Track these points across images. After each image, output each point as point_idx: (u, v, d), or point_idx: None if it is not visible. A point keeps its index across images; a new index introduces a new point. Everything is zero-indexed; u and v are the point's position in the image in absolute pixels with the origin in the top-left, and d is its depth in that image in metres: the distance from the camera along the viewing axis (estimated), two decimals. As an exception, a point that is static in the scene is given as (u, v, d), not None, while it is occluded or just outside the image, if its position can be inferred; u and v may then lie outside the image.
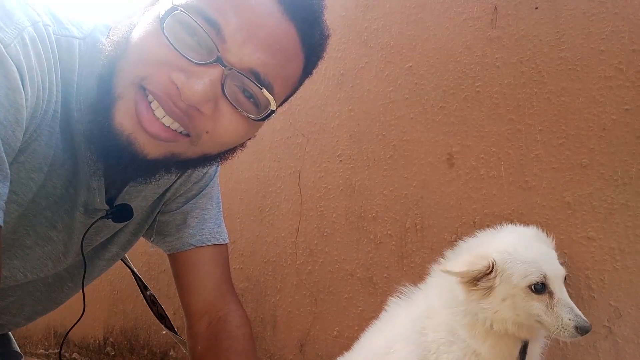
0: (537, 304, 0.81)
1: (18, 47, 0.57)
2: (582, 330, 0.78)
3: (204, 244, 0.95)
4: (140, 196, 0.84)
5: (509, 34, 1.14)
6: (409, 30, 1.29)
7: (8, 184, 0.57)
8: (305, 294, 1.42)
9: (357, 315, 1.32)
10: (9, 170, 0.57)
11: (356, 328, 1.25)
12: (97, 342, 1.93)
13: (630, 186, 1.00)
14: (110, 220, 0.80)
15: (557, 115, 1.08)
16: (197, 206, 0.96)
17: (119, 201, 0.80)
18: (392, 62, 1.31)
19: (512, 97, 1.13)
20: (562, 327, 0.79)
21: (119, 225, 0.87)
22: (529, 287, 0.80)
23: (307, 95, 1.45)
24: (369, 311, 1.28)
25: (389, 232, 1.29)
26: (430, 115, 1.24)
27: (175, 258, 0.97)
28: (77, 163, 0.71)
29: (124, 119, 0.62)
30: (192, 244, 0.95)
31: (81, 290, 0.90)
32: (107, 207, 0.77)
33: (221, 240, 0.98)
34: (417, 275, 1.21)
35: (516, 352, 0.87)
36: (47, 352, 2.09)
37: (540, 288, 0.81)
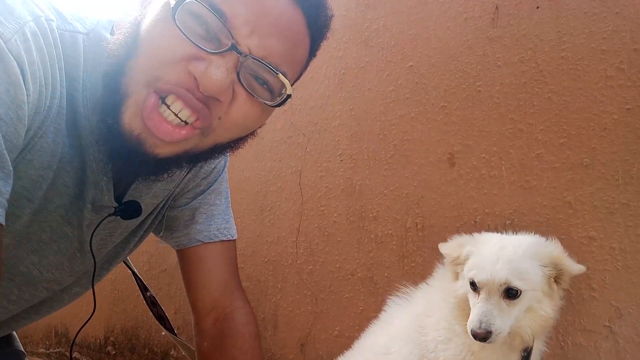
0: (472, 298, 0.85)
1: (19, 41, 0.56)
2: (472, 334, 0.80)
3: (211, 240, 0.95)
4: (150, 193, 0.84)
5: (510, 34, 1.14)
6: (410, 29, 1.29)
7: (11, 181, 0.56)
8: (306, 294, 1.42)
9: (358, 315, 1.32)
10: (11, 168, 0.56)
11: (357, 327, 1.25)
12: (98, 341, 1.93)
13: (632, 186, 1.00)
14: (119, 217, 0.79)
15: (558, 115, 1.08)
16: (206, 202, 0.96)
17: (127, 198, 0.79)
18: (393, 62, 1.31)
19: (513, 96, 1.13)
20: (468, 326, 0.83)
21: (132, 224, 0.87)
22: (469, 281, 0.85)
23: (308, 95, 1.45)
24: (369, 311, 1.28)
25: (389, 231, 1.29)
26: (431, 115, 1.24)
27: (182, 254, 0.97)
28: (84, 160, 0.70)
29: (132, 120, 0.62)
30: (200, 240, 0.95)
31: (92, 290, 0.89)
32: (115, 204, 0.76)
33: (229, 236, 0.98)
34: (418, 275, 1.21)
35: (510, 352, 0.87)
36: (48, 351, 2.09)
37: (474, 286, 0.84)
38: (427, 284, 1.00)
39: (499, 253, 0.84)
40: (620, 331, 1.00)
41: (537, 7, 1.11)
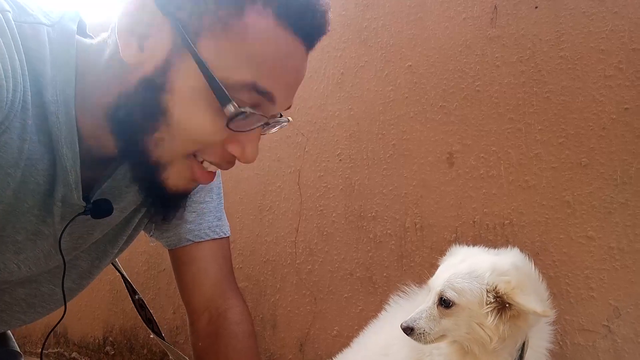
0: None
1: None
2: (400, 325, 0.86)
3: (202, 239, 0.94)
4: (131, 191, 0.82)
5: (509, 33, 1.14)
6: (409, 29, 1.29)
7: None
8: (305, 293, 1.42)
9: (357, 315, 1.32)
10: None
11: (356, 327, 1.25)
12: (97, 341, 1.93)
13: (630, 185, 1.00)
14: (89, 216, 0.76)
15: (557, 115, 1.08)
16: (195, 200, 0.94)
17: (103, 196, 0.77)
18: (392, 62, 1.31)
19: (512, 96, 1.13)
20: None
21: (114, 222, 0.86)
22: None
23: (306, 95, 1.45)
24: (368, 310, 1.28)
25: (388, 231, 1.29)
26: (430, 115, 1.24)
27: (174, 254, 0.96)
28: (54, 157, 0.68)
29: (179, 182, 0.68)
30: (190, 240, 0.94)
31: (61, 291, 0.87)
32: (83, 203, 0.74)
33: (221, 234, 0.97)
34: (417, 275, 1.21)
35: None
36: (46, 351, 2.09)
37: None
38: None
39: (454, 265, 0.87)
40: (619, 330, 1.00)
41: (536, 7, 1.11)
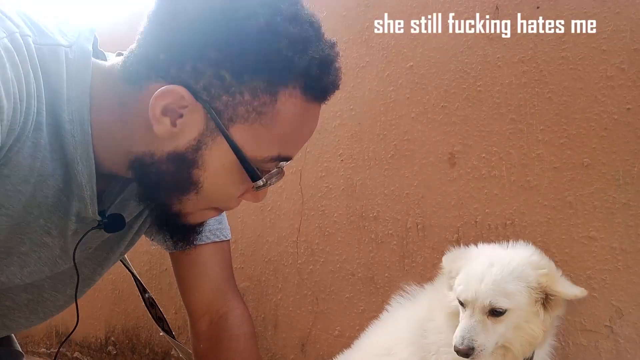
0: (460, 312, 0.86)
1: None
2: (455, 350, 0.82)
3: (203, 242, 0.95)
4: (135, 202, 0.83)
5: (511, 34, 1.14)
6: (410, 29, 1.29)
7: None
8: (307, 294, 1.42)
9: (359, 315, 1.32)
10: None
11: (357, 327, 1.25)
12: (99, 341, 1.93)
13: (632, 186, 1.00)
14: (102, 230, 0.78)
15: (558, 115, 1.08)
16: None
17: (113, 209, 0.78)
18: (393, 62, 1.31)
19: (514, 96, 1.13)
20: (453, 341, 0.83)
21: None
22: (457, 297, 0.86)
23: (308, 95, 1.44)
24: (370, 311, 1.28)
25: (390, 231, 1.29)
26: (432, 115, 1.24)
27: (175, 256, 0.97)
28: (68, 173, 0.69)
29: (196, 220, 0.75)
30: None
31: (75, 302, 0.88)
32: (99, 218, 0.75)
33: (222, 237, 0.97)
34: (419, 275, 1.21)
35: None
36: (48, 351, 2.09)
37: (461, 303, 0.85)
38: (433, 285, 1.00)
39: (485, 271, 0.83)
40: (621, 331, 1.00)
41: (537, 7, 1.11)
